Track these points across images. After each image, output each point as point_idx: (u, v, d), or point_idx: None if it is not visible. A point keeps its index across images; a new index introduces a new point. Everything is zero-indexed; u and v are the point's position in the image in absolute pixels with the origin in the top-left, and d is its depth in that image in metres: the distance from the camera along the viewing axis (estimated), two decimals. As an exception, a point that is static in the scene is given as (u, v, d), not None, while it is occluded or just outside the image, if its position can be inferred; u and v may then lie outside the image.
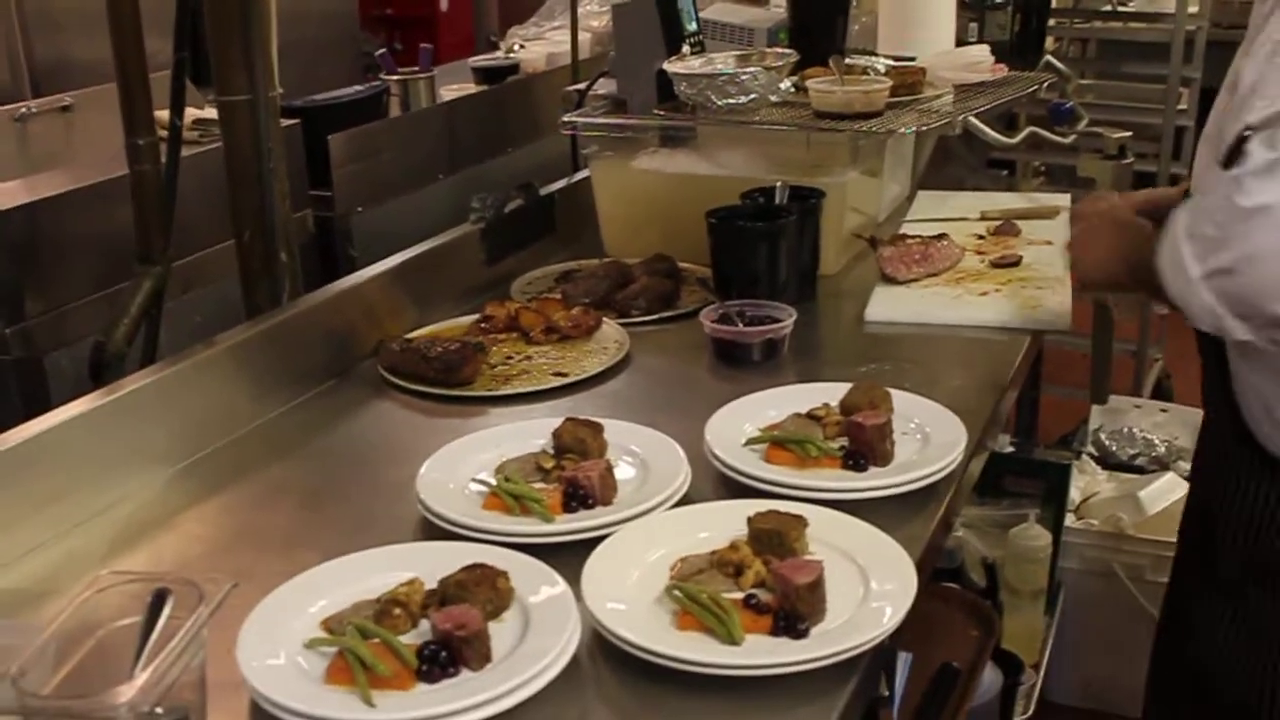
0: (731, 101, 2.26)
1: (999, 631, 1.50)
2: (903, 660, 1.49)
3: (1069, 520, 2.91)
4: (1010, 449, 3.00)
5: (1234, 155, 1.44)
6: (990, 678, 2.04)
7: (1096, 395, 3.09)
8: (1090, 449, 3.24)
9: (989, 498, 2.82)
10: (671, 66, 2.31)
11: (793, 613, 1.23)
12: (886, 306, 2.17)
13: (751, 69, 2.27)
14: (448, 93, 3.37)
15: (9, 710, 1.08)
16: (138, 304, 2.16)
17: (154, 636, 1.15)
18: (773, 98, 2.33)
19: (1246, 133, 1.42)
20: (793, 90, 2.37)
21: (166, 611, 1.17)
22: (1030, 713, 2.28)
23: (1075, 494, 3.00)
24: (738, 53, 2.44)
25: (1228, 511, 1.74)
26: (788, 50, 2.40)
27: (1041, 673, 2.50)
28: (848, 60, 2.48)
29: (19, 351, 2.19)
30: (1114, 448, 3.25)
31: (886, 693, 1.42)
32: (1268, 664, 1.69)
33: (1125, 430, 3.32)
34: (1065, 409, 3.52)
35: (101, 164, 2.45)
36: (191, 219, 2.33)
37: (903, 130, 2.24)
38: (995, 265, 2.29)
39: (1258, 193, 1.37)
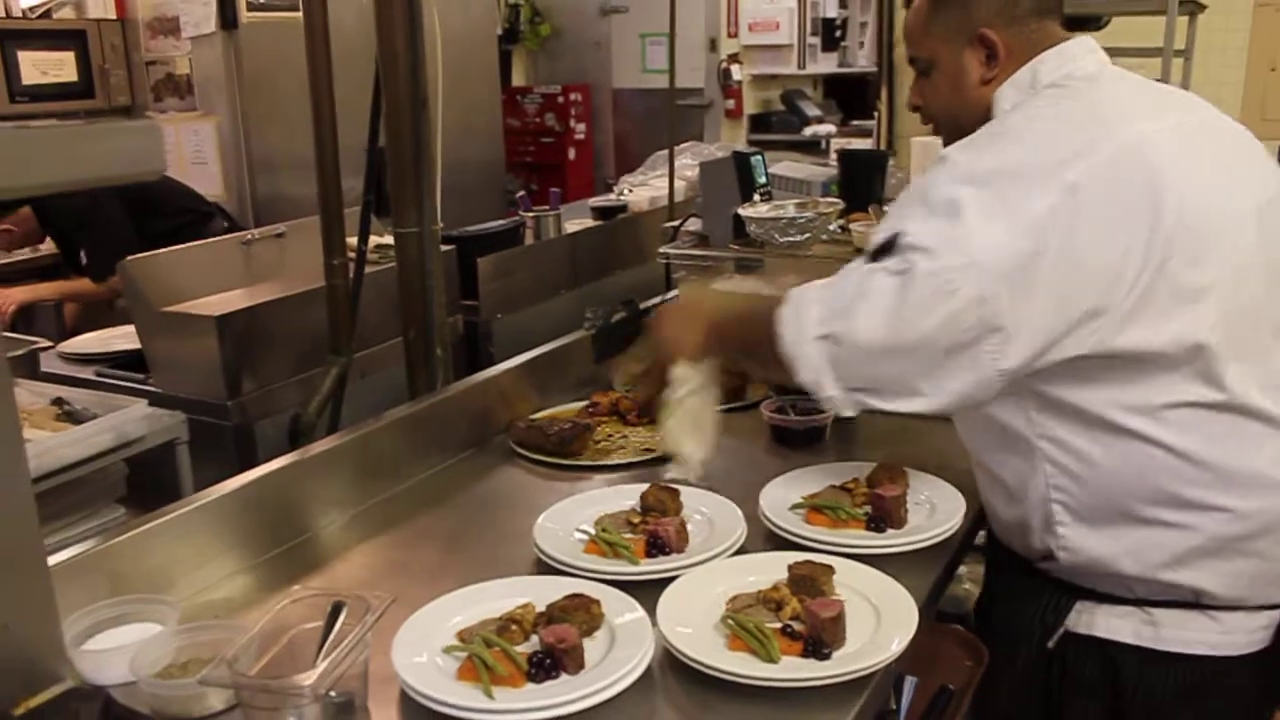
0: (791, 239, 2.30)
1: (986, 661, 1.51)
2: (908, 683, 1.50)
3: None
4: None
5: (878, 255, 1.36)
6: None
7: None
8: None
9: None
10: (745, 211, 2.35)
11: (819, 640, 1.25)
12: None
13: (807, 214, 2.32)
14: (571, 225, 3.38)
15: (224, 685, 1.16)
16: (328, 385, 2.22)
17: (331, 638, 1.22)
18: (823, 236, 2.36)
19: (890, 241, 1.35)
20: (839, 231, 2.41)
21: (341, 619, 1.24)
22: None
23: None
24: (797, 200, 2.48)
25: (986, 582, 1.71)
26: (836, 200, 2.44)
27: None
28: (885, 207, 2.53)
29: (236, 419, 2.28)
30: None
31: (894, 707, 1.44)
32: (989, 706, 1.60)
33: None
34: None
35: (303, 279, 2.52)
36: (369, 321, 2.39)
37: None
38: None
39: (882, 283, 1.33)
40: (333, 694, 1.15)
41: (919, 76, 1.61)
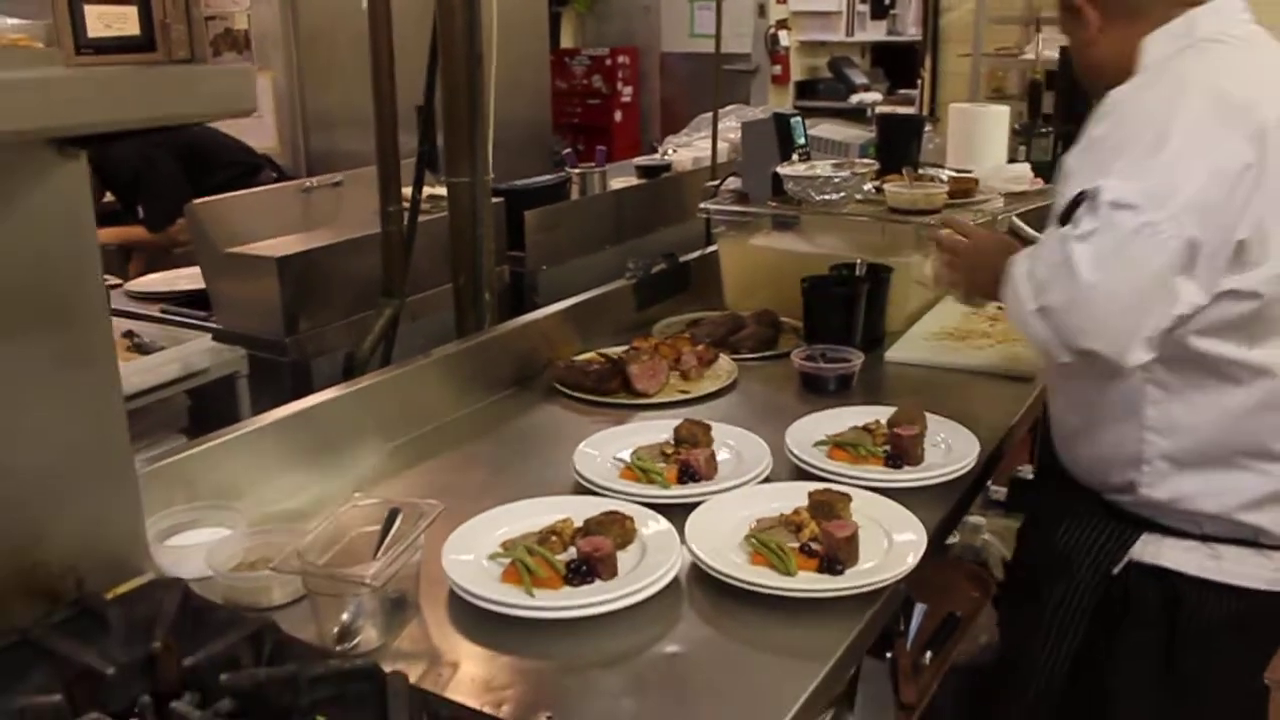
0: (826, 197, 2.36)
1: (992, 593, 1.61)
2: (918, 609, 1.61)
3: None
4: (1032, 477, 3.03)
5: (1067, 217, 1.44)
6: (991, 643, 2.12)
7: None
8: None
9: (1012, 513, 2.86)
10: (783, 170, 2.42)
11: (833, 557, 1.36)
12: (902, 352, 2.27)
13: (843, 173, 2.39)
14: (616, 183, 3.45)
15: (294, 573, 1.29)
16: (380, 325, 2.32)
17: (388, 540, 1.35)
18: (858, 196, 2.42)
19: (1079, 198, 1.42)
20: (873, 191, 2.48)
21: (398, 523, 1.37)
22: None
23: None
24: (833, 161, 2.56)
25: (1036, 521, 1.80)
26: (870, 161, 2.52)
27: None
28: (920, 171, 2.61)
29: (294, 355, 2.40)
30: None
31: (903, 628, 1.55)
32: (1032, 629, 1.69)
33: None
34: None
35: (359, 225, 2.63)
36: (420, 268, 2.46)
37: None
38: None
39: (1076, 253, 1.40)
40: (389, 589, 1.29)
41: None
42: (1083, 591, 1.63)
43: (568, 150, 3.82)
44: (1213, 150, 1.40)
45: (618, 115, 7.25)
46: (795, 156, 2.55)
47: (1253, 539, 1.55)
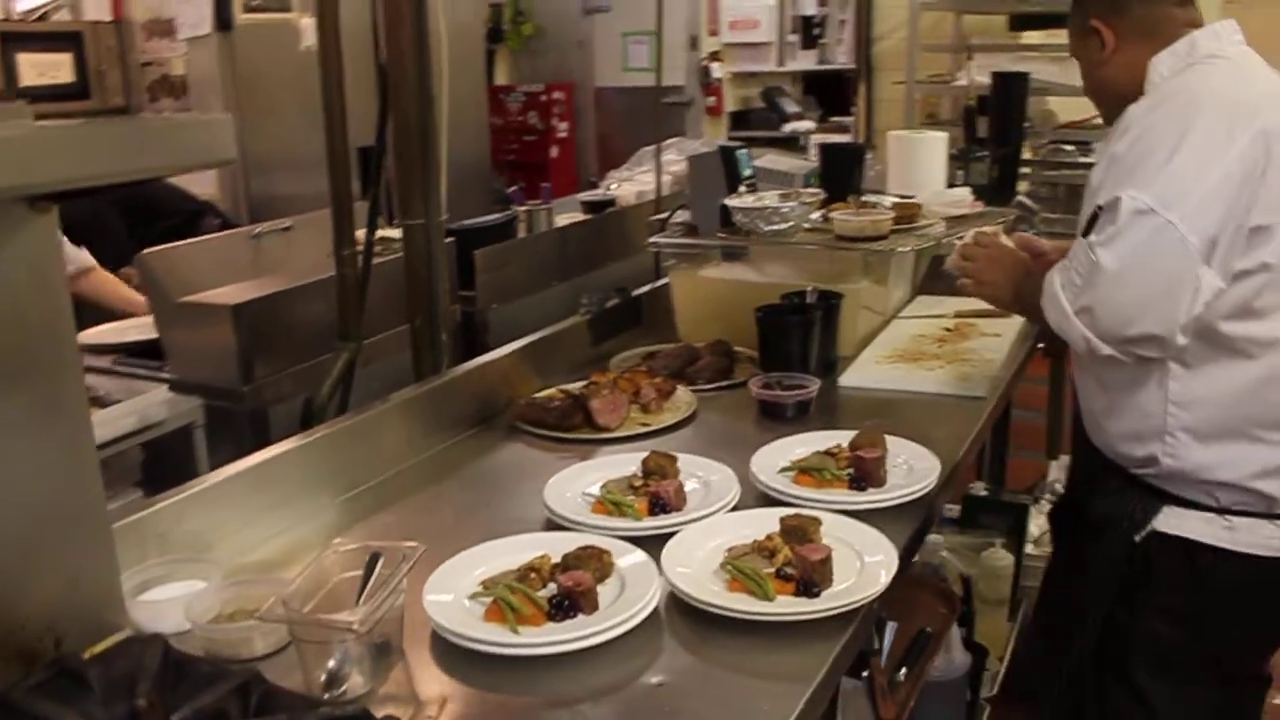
0: (775, 227, 2.41)
1: (959, 609, 1.66)
2: (890, 627, 1.65)
3: (1029, 549, 2.97)
4: (984, 493, 3.11)
5: (1089, 228, 1.66)
6: (962, 658, 2.17)
7: (1050, 452, 3.20)
8: (1048, 496, 3.27)
9: (967, 529, 2.92)
10: (731, 201, 2.47)
11: (809, 580, 1.40)
12: (856, 377, 2.32)
13: (790, 204, 2.44)
14: (561, 219, 3.44)
15: (281, 620, 1.29)
16: (338, 370, 2.31)
17: (370, 584, 1.36)
18: (805, 225, 2.47)
19: (1098, 211, 1.65)
20: (820, 220, 2.53)
21: (379, 568, 1.37)
22: (994, 691, 2.38)
23: (1035, 530, 3.05)
24: (780, 191, 2.61)
25: (1083, 479, 2.00)
26: (817, 190, 2.57)
27: (1004, 664, 2.56)
28: (863, 198, 2.67)
29: (251, 403, 2.38)
30: None
31: (877, 647, 1.58)
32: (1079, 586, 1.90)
33: None
34: (1031, 467, 3.56)
35: (309, 270, 2.62)
36: (373, 310, 2.43)
37: (898, 250, 2.42)
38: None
39: (1102, 257, 1.62)
40: (374, 634, 1.29)
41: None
42: (1111, 559, 1.81)
43: (514, 188, 3.85)
44: (1223, 154, 1.60)
45: (554, 151, 7.30)
46: (743, 188, 2.59)
47: (1265, 509, 1.73)
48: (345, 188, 2.32)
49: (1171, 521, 1.77)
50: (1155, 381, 1.75)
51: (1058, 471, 3.31)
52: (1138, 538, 1.79)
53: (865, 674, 1.47)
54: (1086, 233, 1.66)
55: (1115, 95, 1.87)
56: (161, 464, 2.33)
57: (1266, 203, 1.62)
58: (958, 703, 2.09)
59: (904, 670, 1.60)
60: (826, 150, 2.92)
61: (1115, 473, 1.84)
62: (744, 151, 2.65)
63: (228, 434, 2.39)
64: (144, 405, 2.19)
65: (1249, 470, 1.72)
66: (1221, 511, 1.74)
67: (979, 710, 2.23)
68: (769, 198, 2.50)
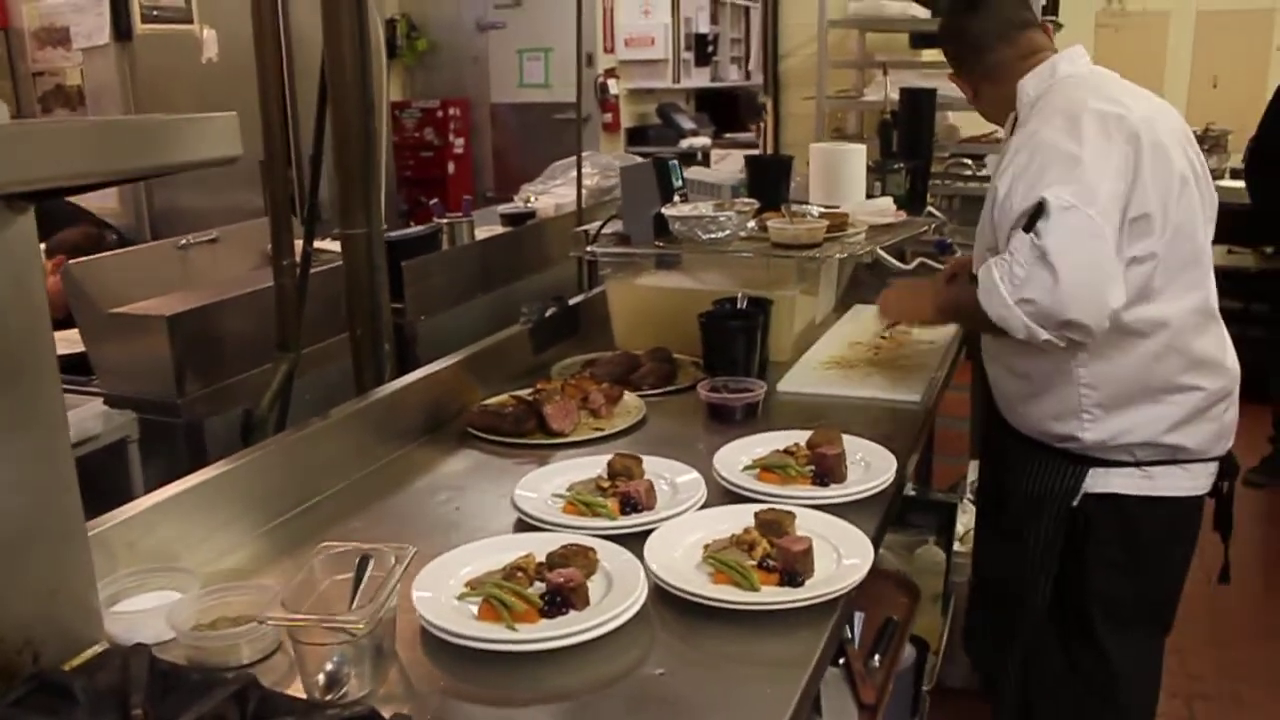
0: (712, 236, 2.46)
1: (921, 597, 1.72)
2: (857, 617, 1.70)
3: (956, 546, 3.05)
4: (913, 492, 3.20)
5: (1030, 226, 1.83)
6: (909, 650, 2.25)
7: (974, 453, 3.32)
8: (969, 495, 3.35)
9: (898, 527, 3.01)
10: (669, 211, 2.50)
11: (792, 570, 1.44)
12: (795, 383, 2.38)
13: (726, 213, 2.49)
14: (481, 232, 3.45)
15: (282, 623, 1.27)
16: (278, 381, 2.30)
17: (362, 587, 1.35)
18: (741, 233, 2.53)
19: (1039, 207, 1.82)
20: (755, 229, 2.60)
21: (370, 569, 1.37)
22: (933, 685, 2.46)
23: (959, 528, 3.13)
24: (715, 201, 2.66)
25: (1006, 470, 2.18)
26: (751, 200, 2.63)
27: (940, 657, 2.64)
28: (793, 208, 2.74)
29: (187, 416, 2.33)
30: None
31: (849, 635, 1.63)
32: (1021, 559, 2.12)
33: None
34: (951, 470, 3.68)
35: (237, 281, 2.62)
36: (307, 320, 2.42)
37: (835, 256, 2.49)
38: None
39: (1048, 253, 1.80)
40: (373, 635, 1.28)
41: None
42: (1053, 526, 2.04)
43: (434, 201, 3.82)
44: (1109, 155, 1.85)
45: (451, 167, 7.26)
46: (677, 198, 2.63)
47: (1172, 458, 2.01)
48: (284, 197, 2.30)
49: (1099, 481, 2.03)
50: (1067, 368, 1.99)
51: (975, 472, 3.42)
52: (1075, 502, 2.03)
53: (842, 661, 1.51)
54: (1028, 228, 1.82)
55: (999, 119, 2.25)
56: (94, 479, 2.25)
57: (1143, 196, 1.87)
58: (907, 695, 2.15)
59: (877, 657, 1.65)
60: (753, 162, 2.98)
61: (1038, 449, 2.07)
62: (675, 163, 2.70)
63: (163, 448, 2.33)
64: (79, 419, 2.12)
65: (1159, 428, 1.99)
66: (1139, 464, 2.01)
67: (922, 701, 2.30)
68: (704, 207, 2.54)
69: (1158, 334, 1.96)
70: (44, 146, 1.06)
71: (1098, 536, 2.04)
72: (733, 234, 2.51)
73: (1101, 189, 1.83)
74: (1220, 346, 2.05)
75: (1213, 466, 2.08)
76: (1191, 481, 2.05)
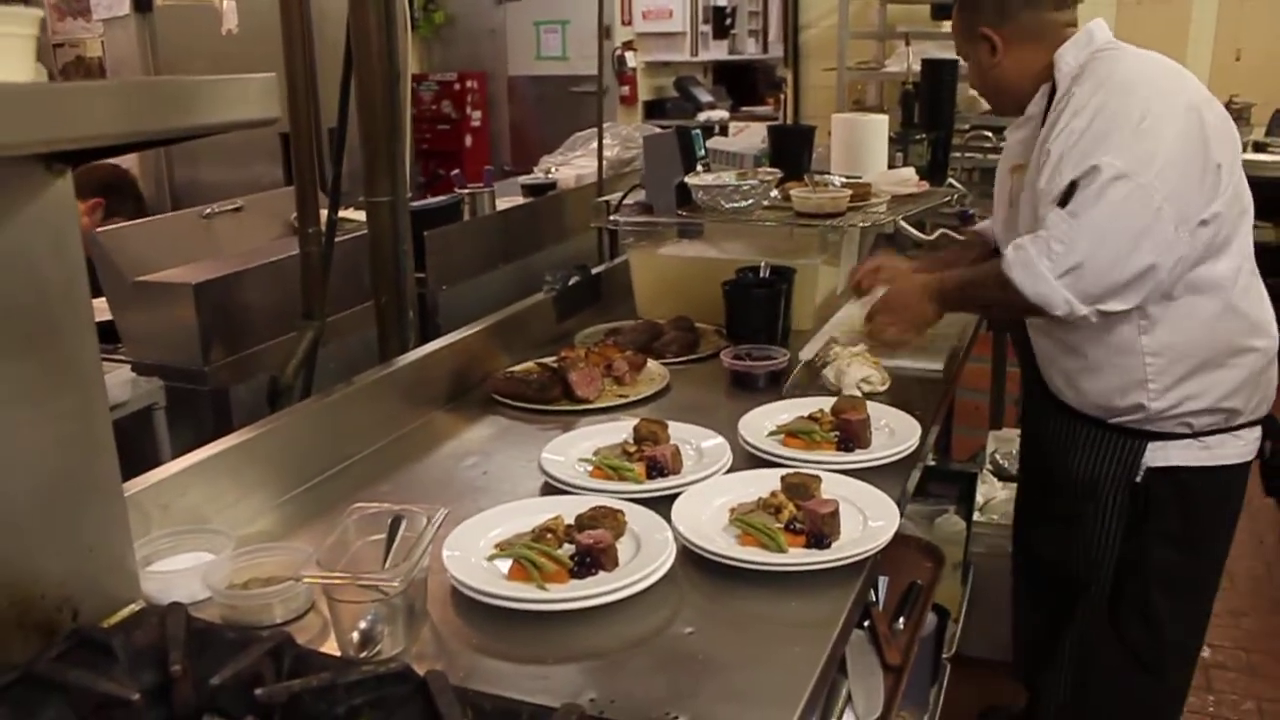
0: (736, 205, 2.47)
1: (945, 562, 1.73)
2: (882, 581, 1.72)
3: (976, 516, 3.05)
4: (933, 463, 3.20)
5: (1066, 199, 1.80)
6: (930, 618, 2.26)
7: (994, 423, 3.33)
8: (989, 465, 3.39)
9: (918, 497, 3.02)
10: (692, 180, 2.51)
11: (819, 532, 1.45)
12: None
13: (750, 182, 2.50)
14: (502, 203, 3.43)
15: (319, 580, 1.29)
16: (303, 349, 2.30)
17: (395, 545, 1.36)
18: (765, 203, 2.53)
19: (1074, 183, 1.80)
20: (778, 198, 2.61)
21: (402, 530, 1.39)
22: (953, 652, 2.47)
23: (979, 498, 3.14)
24: (738, 170, 2.66)
25: (1056, 450, 2.12)
26: (774, 169, 2.63)
27: (960, 624, 2.64)
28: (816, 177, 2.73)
29: (213, 384, 2.34)
30: (1005, 464, 3.38)
31: (873, 599, 1.64)
32: (1081, 541, 2.09)
33: (1012, 451, 3.34)
34: (970, 441, 3.69)
35: (262, 250, 2.63)
36: (331, 289, 2.44)
37: (859, 225, 2.49)
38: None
39: (1085, 219, 1.78)
40: (406, 595, 1.30)
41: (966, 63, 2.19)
42: (1114, 505, 2.00)
43: (455, 172, 3.83)
44: (1171, 122, 1.81)
45: (468, 140, 7.24)
46: (700, 168, 2.63)
47: (1226, 424, 1.98)
48: (310, 167, 2.30)
49: (1158, 456, 1.99)
50: (1129, 338, 1.92)
51: (995, 443, 3.43)
52: (1138, 478, 1.99)
53: (867, 623, 1.53)
54: (1063, 203, 1.79)
55: (1007, 91, 2.12)
56: (121, 446, 2.27)
57: (1213, 154, 1.83)
58: (927, 662, 2.16)
59: (901, 620, 1.67)
60: (777, 132, 2.98)
61: (1091, 427, 2.02)
62: (698, 133, 2.70)
63: (189, 415, 2.35)
64: (109, 386, 2.13)
65: (1219, 393, 1.95)
66: (1196, 434, 1.97)
67: (941, 668, 2.32)
68: (728, 176, 2.54)
69: (1216, 293, 1.92)
70: (83, 105, 1.07)
71: (1158, 511, 2.01)
72: (756, 203, 2.51)
73: (1159, 155, 1.79)
74: (1264, 305, 2.02)
75: (1258, 430, 2.06)
76: (1242, 446, 2.04)
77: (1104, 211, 1.78)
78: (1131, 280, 1.81)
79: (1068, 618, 2.12)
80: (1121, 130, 1.81)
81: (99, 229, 2.47)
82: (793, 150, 2.86)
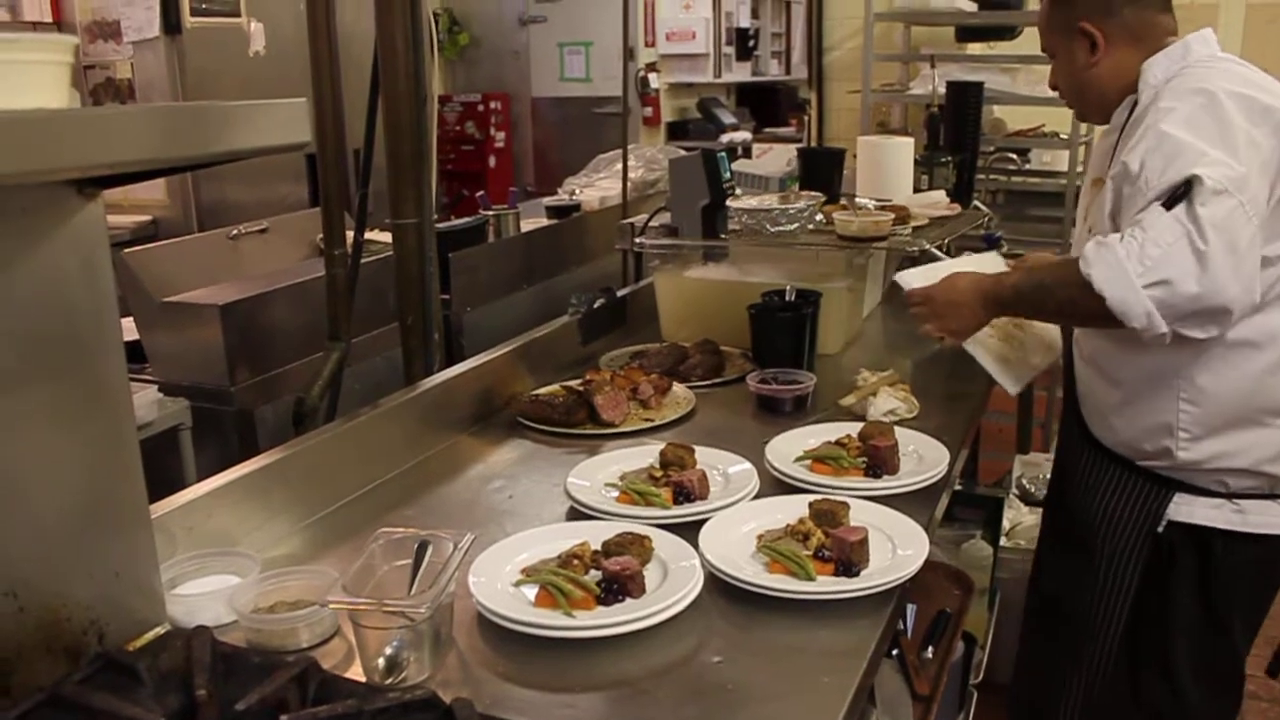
0: (781, 228, 2.46)
1: (974, 590, 1.71)
2: (910, 609, 1.70)
3: (1002, 541, 3.03)
4: (959, 487, 3.18)
5: (1173, 203, 1.61)
6: (957, 645, 2.23)
7: (1021, 448, 3.29)
8: (1015, 490, 3.35)
9: (944, 521, 2.99)
10: (734, 204, 2.49)
11: (848, 560, 1.43)
12: None
13: (797, 205, 2.48)
14: (526, 224, 3.45)
15: (345, 606, 1.28)
16: (329, 370, 2.32)
17: (422, 571, 1.36)
18: (810, 226, 2.53)
19: (1184, 186, 1.61)
20: (823, 222, 2.57)
21: (428, 556, 1.38)
22: (980, 679, 2.43)
23: (1006, 523, 3.11)
24: (777, 194, 2.65)
25: (1081, 483, 2.01)
26: (817, 193, 2.61)
27: (987, 651, 2.61)
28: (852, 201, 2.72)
29: (238, 404, 2.36)
30: (1031, 489, 3.34)
31: (901, 627, 1.62)
32: (1088, 576, 1.97)
33: (1039, 476, 3.37)
34: (996, 465, 3.65)
35: (288, 271, 2.65)
36: (356, 311, 2.45)
37: (907, 248, 2.46)
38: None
39: (1191, 230, 1.58)
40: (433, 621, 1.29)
41: (1052, 61, 2.01)
42: (1131, 549, 1.88)
43: (481, 193, 3.84)
44: (1259, 146, 1.66)
45: (492, 160, 7.26)
46: (739, 190, 2.63)
47: (1270, 490, 1.81)
48: (337, 188, 2.31)
49: (1182, 510, 1.85)
50: (1168, 379, 1.79)
51: (1021, 467, 3.40)
52: (1160, 528, 1.86)
53: (896, 652, 1.51)
54: (1169, 205, 1.61)
55: (1098, 95, 1.95)
56: (147, 466, 2.28)
57: (1274, 192, 1.69)
58: (955, 689, 2.14)
59: (930, 649, 1.65)
60: (807, 154, 2.97)
61: (1119, 466, 1.91)
62: (723, 155, 2.68)
63: (214, 435, 2.36)
64: (136, 406, 2.14)
65: (1260, 456, 1.79)
66: (1230, 495, 1.82)
67: (969, 695, 2.29)
68: (771, 200, 2.54)
69: (1271, 347, 1.76)
70: (116, 131, 1.07)
71: (1181, 568, 1.88)
72: (801, 227, 2.50)
73: (1251, 179, 1.63)
74: None
75: None
76: None
77: (1211, 223, 1.58)
78: (1224, 306, 1.61)
79: (1073, 659, 2.00)
80: (1215, 145, 1.65)
81: (126, 250, 2.48)
82: (823, 173, 2.86)
